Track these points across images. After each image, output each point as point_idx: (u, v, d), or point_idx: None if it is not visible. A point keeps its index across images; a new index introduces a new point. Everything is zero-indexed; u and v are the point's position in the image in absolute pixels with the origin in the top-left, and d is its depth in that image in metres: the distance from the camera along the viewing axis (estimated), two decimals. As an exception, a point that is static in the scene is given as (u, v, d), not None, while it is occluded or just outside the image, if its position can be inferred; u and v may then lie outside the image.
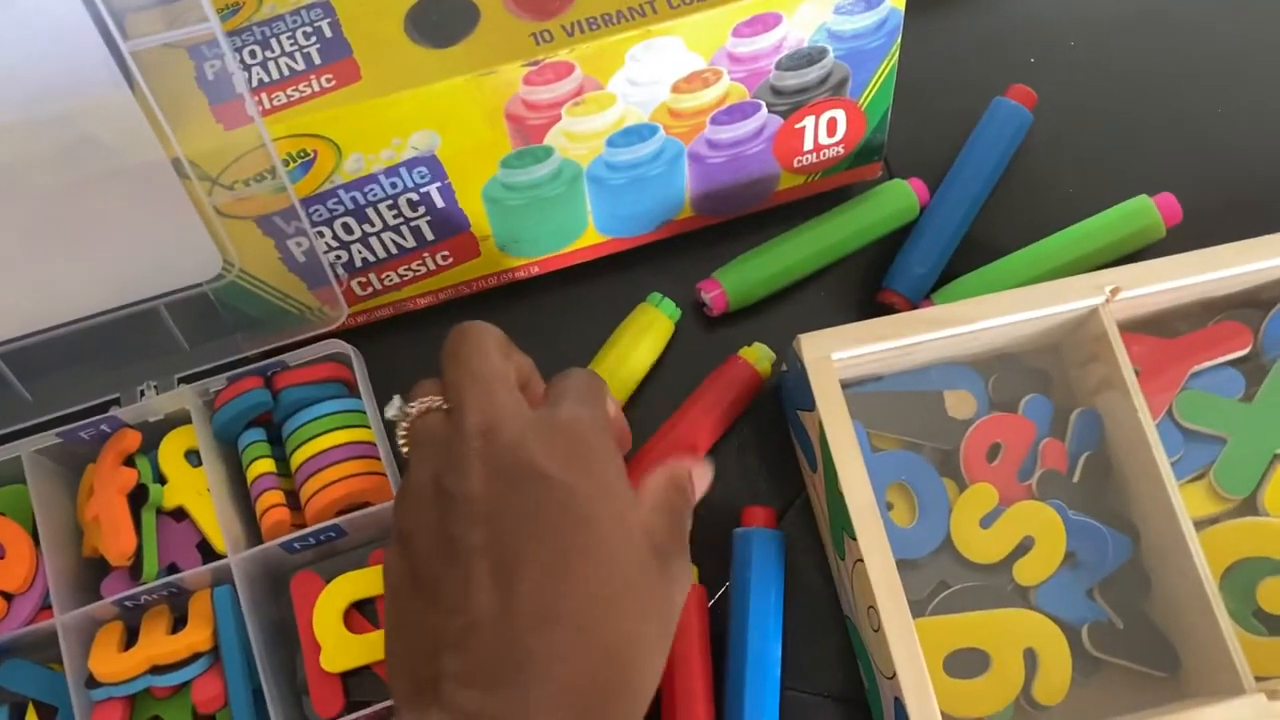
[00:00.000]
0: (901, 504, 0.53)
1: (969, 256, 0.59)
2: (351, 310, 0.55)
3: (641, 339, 0.56)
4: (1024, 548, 0.51)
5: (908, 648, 0.45)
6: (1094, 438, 0.54)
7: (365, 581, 0.49)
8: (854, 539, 0.47)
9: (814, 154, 0.57)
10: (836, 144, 0.56)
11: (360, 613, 0.50)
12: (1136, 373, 0.53)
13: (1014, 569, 0.51)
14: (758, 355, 0.56)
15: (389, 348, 0.58)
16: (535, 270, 0.58)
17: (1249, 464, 0.52)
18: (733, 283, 0.57)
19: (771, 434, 0.57)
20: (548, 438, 0.36)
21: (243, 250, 0.50)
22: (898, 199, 0.59)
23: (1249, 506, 0.52)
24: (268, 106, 0.46)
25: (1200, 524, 0.52)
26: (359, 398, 0.52)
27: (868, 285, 0.60)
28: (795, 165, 0.57)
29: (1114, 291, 0.51)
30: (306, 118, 0.46)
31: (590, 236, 0.57)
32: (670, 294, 0.59)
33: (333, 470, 0.50)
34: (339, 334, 0.54)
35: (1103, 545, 0.51)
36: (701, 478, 0.43)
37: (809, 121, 0.54)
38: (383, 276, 0.54)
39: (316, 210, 0.50)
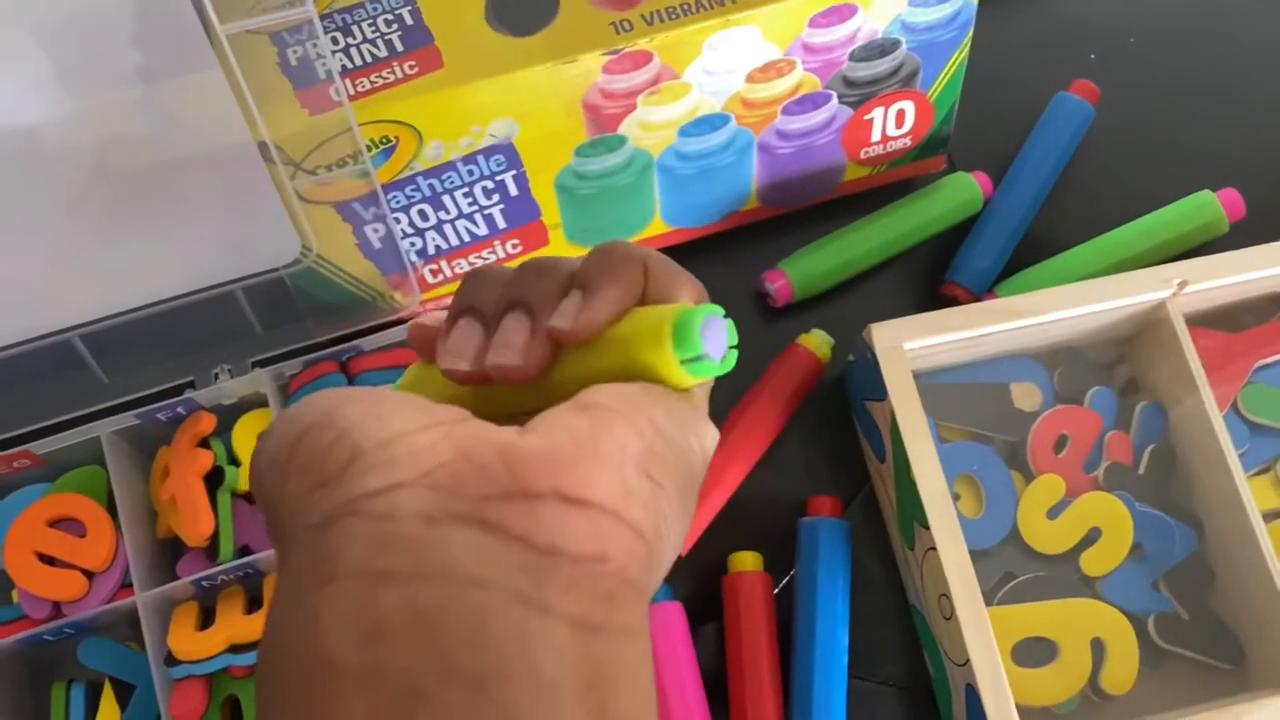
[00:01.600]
0: (968, 495, 0.53)
1: (1031, 251, 0.60)
2: (423, 298, 0.56)
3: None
4: (1090, 539, 0.52)
5: (981, 635, 0.46)
6: (1159, 430, 0.54)
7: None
8: (926, 528, 0.48)
9: (881, 145, 0.57)
10: (904, 135, 0.57)
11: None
12: (1203, 366, 0.53)
13: (1081, 560, 0.51)
14: (817, 341, 0.56)
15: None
16: None
17: (1316, 457, 0.52)
18: (798, 273, 0.58)
19: (833, 426, 0.57)
20: None
21: (321, 235, 0.50)
22: (962, 192, 0.59)
23: (1316, 500, 0.53)
24: (352, 92, 0.46)
25: (1267, 516, 0.52)
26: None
27: (930, 278, 0.60)
28: (862, 156, 0.57)
29: (1181, 285, 0.51)
30: (390, 105, 0.46)
31: (656, 226, 0.57)
32: (735, 283, 0.59)
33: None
34: (409, 321, 0.55)
35: (1169, 537, 0.51)
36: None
37: (878, 113, 0.55)
38: (454, 264, 0.55)
39: (394, 197, 0.50)
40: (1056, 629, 0.50)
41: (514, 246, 0.55)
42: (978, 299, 0.58)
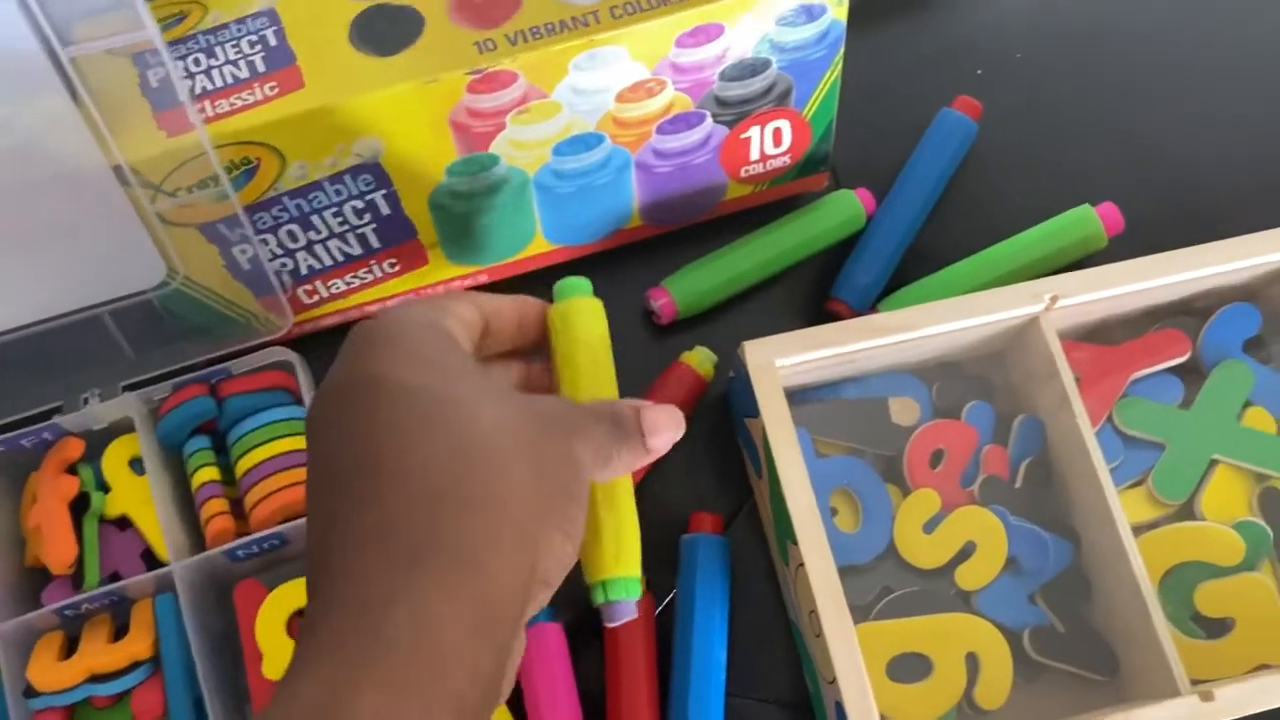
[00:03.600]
0: (846, 510, 0.53)
1: (915, 265, 0.60)
2: (298, 318, 0.55)
3: (593, 334, 0.46)
4: (966, 553, 0.52)
5: (848, 652, 0.46)
6: (1036, 444, 0.54)
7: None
8: (795, 544, 0.48)
9: (760, 164, 0.57)
10: (782, 154, 0.57)
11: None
12: (1078, 380, 0.54)
13: (956, 574, 0.52)
14: (699, 359, 0.56)
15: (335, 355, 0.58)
16: (484, 279, 0.58)
17: (1186, 469, 0.53)
18: (681, 291, 0.58)
19: (720, 441, 0.57)
20: None
21: (187, 258, 0.50)
22: (844, 209, 0.59)
23: (1187, 511, 0.53)
24: (211, 114, 0.46)
25: (1140, 529, 0.52)
26: (303, 405, 0.52)
27: (815, 294, 0.60)
28: (742, 175, 0.57)
29: (1053, 299, 0.52)
30: (249, 125, 0.46)
31: (539, 244, 0.57)
32: (620, 301, 0.59)
33: (276, 479, 0.50)
34: (285, 342, 0.54)
35: (1043, 550, 0.52)
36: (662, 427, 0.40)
37: (754, 132, 0.55)
38: (329, 284, 0.55)
39: (260, 218, 0.50)
40: (930, 644, 0.50)
41: (391, 266, 0.55)
42: (861, 314, 0.59)
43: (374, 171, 0.50)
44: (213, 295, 0.52)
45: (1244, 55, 0.66)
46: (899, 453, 0.54)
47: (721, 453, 0.57)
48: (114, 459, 0.51)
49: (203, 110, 0.46)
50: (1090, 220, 0.58)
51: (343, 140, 0.48)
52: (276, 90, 0.47)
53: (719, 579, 0.52)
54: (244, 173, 0.47)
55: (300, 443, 0.51)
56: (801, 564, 0.47)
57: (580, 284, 0.44)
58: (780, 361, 0.50)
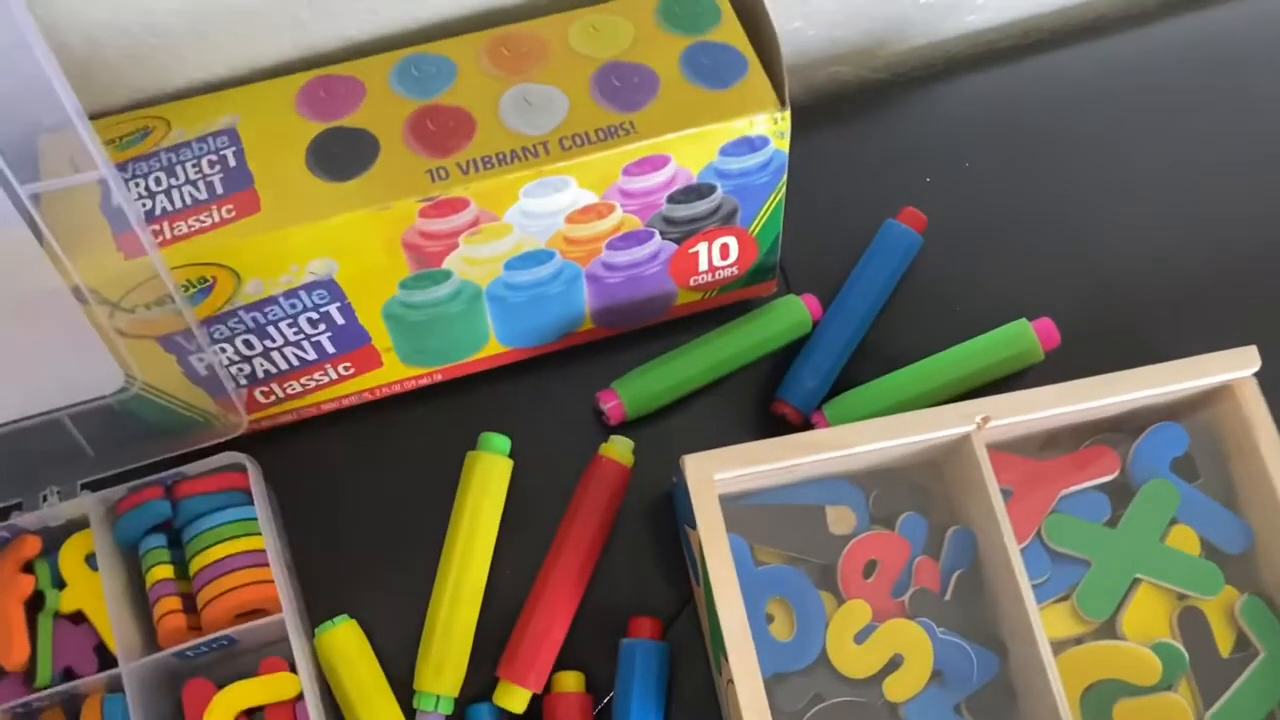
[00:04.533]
0: (782, 617, 0.55)
1: (861, 367, 0.62)
2: (255, 416, 0.57)
3: (482, 502, 0.57)
4: (894, 664, 0.54)
5: (772, 770, 0.47)
6: (967, 556, 0.56)
7: (255, 690, 0.51)
8: (726, 659, 0.49)
9: (709, 274, 0.59)
10: (730, 266, 0.59)
11: (249, 720, 0.51)
12: (1009, 494, 0.55)
13: (884, 685, 0.53)
14: (617, 449, 0.58)
15: (293, 453, 0.59)
16: (439, 378, 0.60)
17: (1109, 587, 0.55)
18: (630, 394, 0.59)
19: (665, 539, 0.59)
20: None
21: (145, 366, 0.51)
22: (790, 315, 0.61)
23: (1108, 629, 0.55)
24: (169, 236, 0.48)
25: (1063, 644, 0.54)
26: (254, 505, 0.53)
27: (763, 395, 0.62)
28: (691, 284, 0.59)
29: (984, 420, 0.54)
30: (206, 247, 0.48)
31: (493, 348, 0.59)
32: (572, 400, 0.61)
33: (228, 578, 0.52)
34: (243, 439, 0.56)
35: (968, 664, 0.53)
36: None
37: (702, 247, 0.57)
38: (285, 386, 0.56)
39: (217, 329, 0.51)
40: (857, 755, 0.52)
41: (345, 369, 0.57)
42: (806, 416, 0.61)
43: (328, 287, 0.51)
44: (171, 399, 0.53)
45: (1187, 165, 0.68)
46: (834, 562, 0.55)
47: (666, 551, 0.59)
48: (71, 555, 0.53)
49: (161, 232, 0.48)
50: (1026, 335, 0.60)
51: (297, 261, 0.49)
52: (233, 213, 0.48)
53: (654, 685, 0.54)
54: (200, 290, 0.49)
55: (251, 543, 0.53)
56: (731, 680, 0.49)
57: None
58: (719, 475, 0.52)
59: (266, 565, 0.52)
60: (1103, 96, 0.70)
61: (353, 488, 0.60)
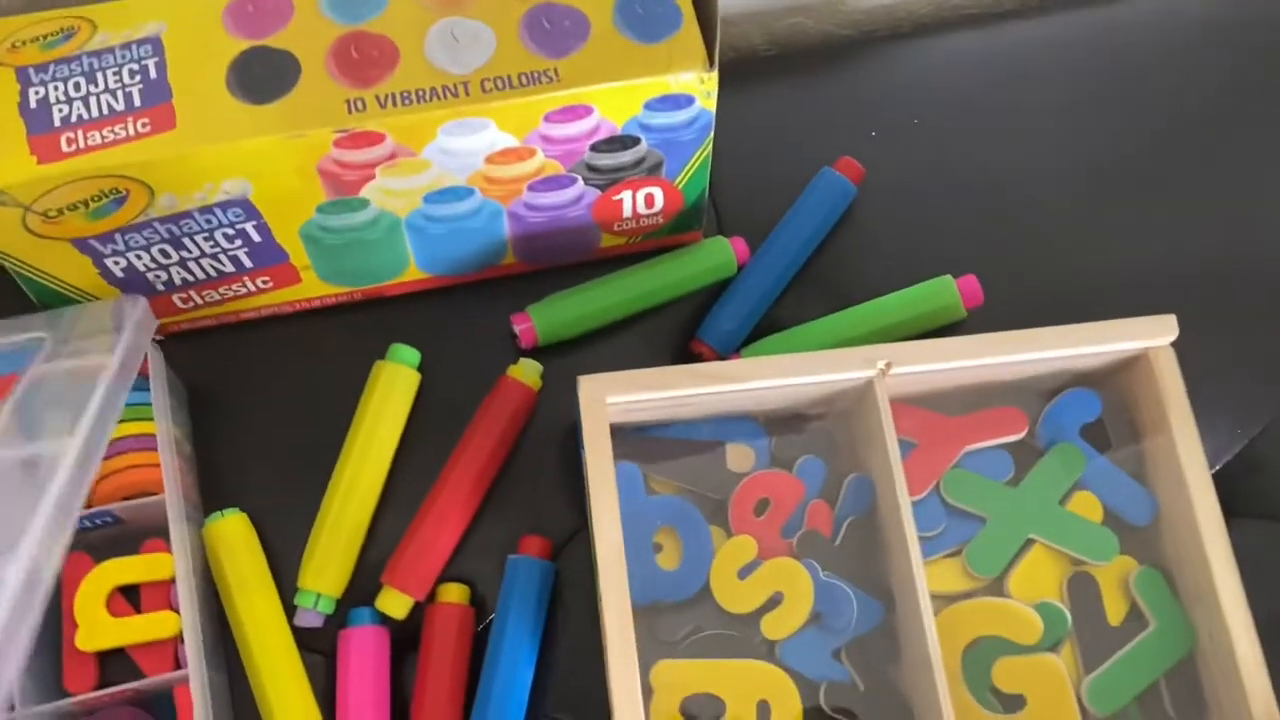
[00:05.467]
0: (670, 547, 0.55)
1: (783, 316, 0.61)
2: (174, 319, 0.57)
3: (383, 409, 0.57)
4: (774, 602, 0.53)
5: (628, 694, 0.47)
6: (865, 504, 0.55)
7: (133, 567, 0.52)
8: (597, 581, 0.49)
9: (633, 221, 0.59)
10: (655, 215, 0.58)
11: (125, 598, 0.51)
12: (913, 446, 0.55)
13: (762, 622, 0.53)
14: (525, 370, 0.58)
15: (209, 352, 0.60)
16: (359, 297, 0.60)
17: (1001, 546, 0.54)
18: (543, 318, 0.59)
19: (568, 467, 0.59)
20: None
21: (58, 265, 0.52)
22: (716, 255, 0.61)
23: (996, 587, 0.54)
24: (82, 146, 0.48)
25: (950, 599, 0.54)
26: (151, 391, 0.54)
27: (682, 334, 0.62)
28: (615, 229, 0.59)
29: (887, 365, 0.53)
30: (119, 161, 0.47)
31: (413, 273, 0.59)
32: (487, 323, 0.61)
33: (119, 459, 0.52)
34: (161, 338, 0.57)
35: (849, 609, 0.53)
36: None
37: (626, 195, 0.56)
38: (203, 294, 0.56)
39: (132, 238, 0.51)
40: (726, 687, 0.52)
41: (264, 283, 0.57)
42: (724, 359, 0.60)
43: (243, 206, 0.51)
44: (86, 296, 0.54)
45: (1142, 146, 0.67)
46: (727, 497, 0.55)
47: (568, 481, 0.59)
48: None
49: (75, 140, 0.48)
50: (949, 290, 0.60)
51: (211, 180, 0.49)
52: (149, 127, 0.48)
53: (534, 602, 0.54)
54: (113, 201, 0.49)
55: (147, 426, 0.53)
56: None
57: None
58: (612, 399, 0.52)
59: (156, 450, 0.53)
60: (1064, 71, 0.69)
61: (264, 390, 0.60)
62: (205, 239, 0.53)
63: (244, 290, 0.57)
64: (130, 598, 0.52)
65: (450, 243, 0.57)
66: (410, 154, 0.50)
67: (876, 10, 0.72)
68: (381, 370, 0.58)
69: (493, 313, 0.61)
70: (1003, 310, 0.60)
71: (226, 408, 0.59)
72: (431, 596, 0.55)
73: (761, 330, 0.61)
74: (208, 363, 0.60)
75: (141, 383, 0.55)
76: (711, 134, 0.54)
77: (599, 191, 0.56)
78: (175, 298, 0.56)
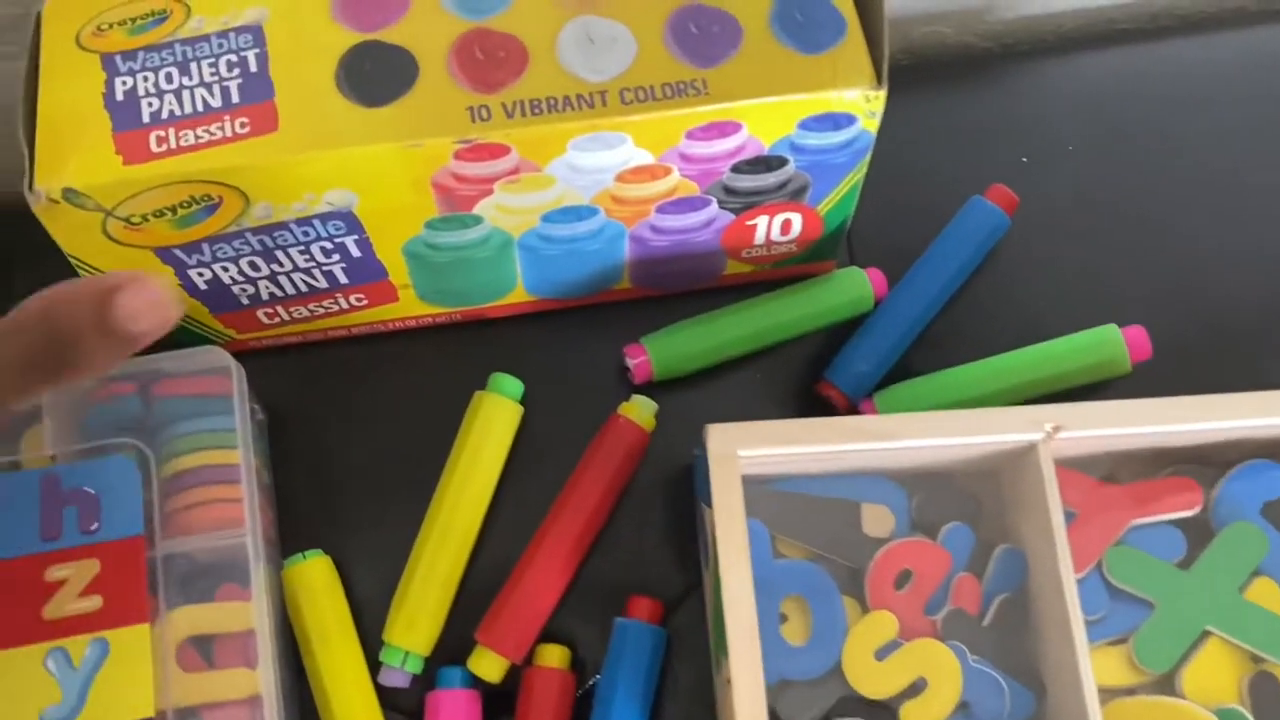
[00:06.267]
0: (797, 618, 0.49)
1: (920, 359, 0.56)
2: (255, 335, 0.53)
3: (482, 447, 0.52)
4: (916, 688, 0.48)
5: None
6: (1015, 580, 0.50)
7: (209, 617, 0.46)
8: (727, 660, 0.44)
9: (764, 248, 0.53)
10: (789, 242, 0.53)
11: (197, 650, 0.46)
12: (1071, 517, 0.49)
13: (903, 710, 0.47)
14: (639, 409, 0.53)
15: (290, 373, 0.55)
16: (458, 317, 0.54)
17: (1173, 637, 0.48)
18: (660, 352, 0.54)
19: (679, 514, 0.54)
20: None
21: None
22: (851, 288, 0.55)
23: (1167, 684, 0.48)
24: (174, 146, 0.42)
25: (1112, 693, 0.48)
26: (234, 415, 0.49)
27: (808, 374, 0.56)
28: (744, 256, 0.53)
29: (1055, 429, 0.47)
30: (214, 165, 0.42)
31: (519, 295, 0.53)
32: (597, 355, 0.55)
33: (196, 492, 0.47)
34: (238, 355, 0.51)
35: (999, 700, 0.47)
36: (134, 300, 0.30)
37: (761, 220, 0.51)
38: (291, 310, 0.51)
39: (220, 248, 0.46)
40: (860, 783, 0.46)
41: (358, 300, 0.52)
42: (853, 404, 0.55)
43: (346, 219, 0.46)
44: None
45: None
46: (864, 566, 0.49)
47: (679, 530, 0.53)
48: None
49: (165, 139, 0.42)
50: (1115, 342, 0.54)
51: (313, 190, 0.44)
52: (248, 129, 0.43)
53: (645, 672, 0.49)
54: (204, 209, 0.44)
55: (225, 456, 0.48)
56: (730, 681, 0.43)
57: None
58: (744, 452, 0.46)
59: (238, 483, 0.48)
60: (1230, 95, 0.62)
61: (350, 417, 0.55)
62: (300, 252, 0.47)
63: (335, 308, 0.52)
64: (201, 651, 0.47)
65: (563, 265, 0.52)
66: (534, 169, 0.45)
67: (1018, 23, 0.66)
68: (482, 402, 0.52)
69: (602, 338, 0.56)
70: (1166, 366, 0.54)
71: (307, 434, 0.54)
72: (528, 658, 0.50)
73: (894, 375, 0.55)
74: (287, 384, 0.55)
75: (219, 404, 0.50)
76: (868, 157, 0.48)
77: (732, 216, 0.50)
78: (260, 313, 0.51)
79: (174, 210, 0.43)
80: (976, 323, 0.57)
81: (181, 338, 0.50)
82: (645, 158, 0.45)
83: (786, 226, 0.51)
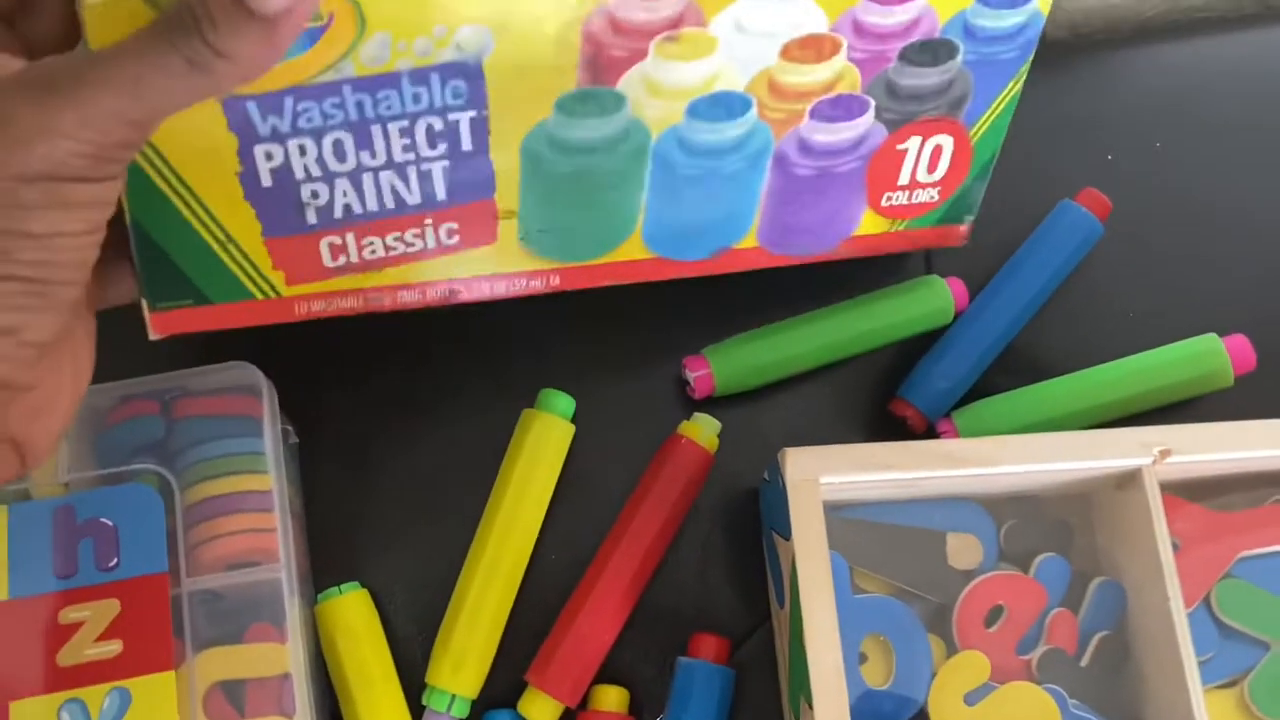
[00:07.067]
0: (878, 658, 0.45)
1: (1002, 373, 0.52)
2: (310, 289, 0.44)
3: (532, 472, 0.48)
4: (1011, 737, 0.44)
5: None
6: (1114, 616, 0.46)
7: (240, 660, 0.42)
8: (811, 707, 0.40)
9: (907, 191, 0.48)
10: (934, 185, 0.49)
11: (226, 697, 0.42)
12: (1175, 547, 0.45)
13: (996, 760, 0.43)
14: (701, 429, 0.48)
15: (320, 378, 0.51)
16: (556, 281, 0.47)
17: (1292, 680, 0.44)
18: (724, 365, 0.50)
19: (745, 544, 0.50)
20: None
21: (192, 145, 0.38)
22: (930, 299, 0.51)
23: (1285, 731, 0.44)
24: None
25: (1225, 741, 0.44)
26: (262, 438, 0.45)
27: (881, 390, 0.52)
28: (883, 204, 0.49)
29: (1163, 453, 0.43)
30: None
31: (633, 247, 0.47)
32: (659, 365, 0.51)
33: (223, 521, 0.43)
34: (264, 349, 0.46)
35: (1104, 750, 0.43)
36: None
37: (913, 143, 0.47)
38: (363, 243, 0.43)
39: (307, 109, 0.39)
40: (952, 841, 0.42)
41: (449, 235, 0.44)
42: (930, 423, 0.50)
43: (471, 77, 0.39)
44: (211, 222, 0.40)
45: None
46: (950, 601, 0.45)
47: (745, 559, 0.49)
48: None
49: None
50: (1216, 354, 0.49)
51: (444, 20, 0.37)
52: None
53: (713, 718, 0.45)
54: (307, 31, 0.36)
55: (255, 481, 0.44)
56: (813, 731, 0.39)
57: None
58: (826, 479, 0.42)
59: (270, 511, 0.44)
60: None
61: (387, 436, 0.50)
62: (403, 133, 0.40)
63: (420, 245, 0.44)
64: (231, 693, 0.43)
65: (694, 197, 0.46)
66: (700, 21, 0.40)
67: (1096, 10, 0.62)
68: (532, 421, 0.48)
69: (660, 348, 0.51)
70: (1275, 375, 0.50)
71: (338, 454, 0.50)
72: (584, 701, 0.46)
73: (974, 392, 0.51)
74: (317, 399, 0.50)
75: (247, 425, 0.46)
76: (1029, 60, 0.46)
77: (886, 133, 0.46)
78: (326, 243, 0.43)
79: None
80: (1060, 335, 0.52)
81: (212, 293, 0.43)
82: (820, 20, 0.41)
83: (936, 156, 0.48)
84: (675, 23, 0.40)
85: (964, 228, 0.52)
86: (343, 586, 0.46)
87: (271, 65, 0.31)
